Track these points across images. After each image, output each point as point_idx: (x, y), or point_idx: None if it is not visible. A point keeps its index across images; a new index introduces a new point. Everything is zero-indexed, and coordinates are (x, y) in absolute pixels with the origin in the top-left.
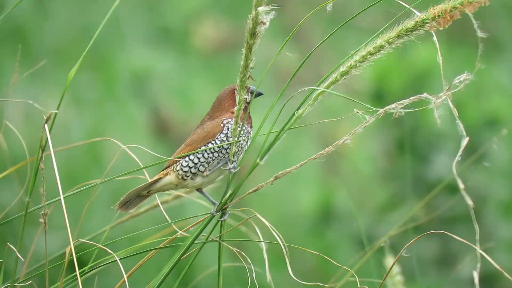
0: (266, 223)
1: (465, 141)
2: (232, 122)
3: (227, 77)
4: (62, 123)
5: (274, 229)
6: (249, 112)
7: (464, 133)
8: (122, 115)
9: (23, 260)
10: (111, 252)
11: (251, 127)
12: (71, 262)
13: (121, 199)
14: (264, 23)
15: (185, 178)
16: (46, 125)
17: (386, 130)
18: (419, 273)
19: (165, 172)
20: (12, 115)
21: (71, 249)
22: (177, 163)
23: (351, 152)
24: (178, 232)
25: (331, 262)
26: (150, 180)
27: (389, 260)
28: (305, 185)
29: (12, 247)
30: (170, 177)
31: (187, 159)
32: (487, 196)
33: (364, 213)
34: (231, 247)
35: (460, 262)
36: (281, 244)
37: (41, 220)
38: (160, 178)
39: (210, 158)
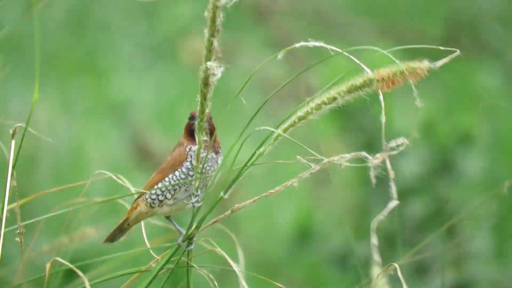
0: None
1: (393, 203)
2: (194, 149)
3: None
4: (50, 127)
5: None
6: (215, 137)
7: (396, 195)
8: (103, 138)
9: None
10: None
11: (217, 152)
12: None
13: (106, 237)
14: (216, 75)
15: (153, 205)
16: (13, 141)
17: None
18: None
19: (134, 205)
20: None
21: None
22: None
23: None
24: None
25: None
26: (124, 217)
27: (375, 271)
28: (288, 200)
29: None
30: (140, 208)
31: (155, 186)
32: (462, 208)
33: (343, 231)
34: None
35: (432, 271)
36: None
37: (18, 239)
38: (132, 211)
39: (177, 186)
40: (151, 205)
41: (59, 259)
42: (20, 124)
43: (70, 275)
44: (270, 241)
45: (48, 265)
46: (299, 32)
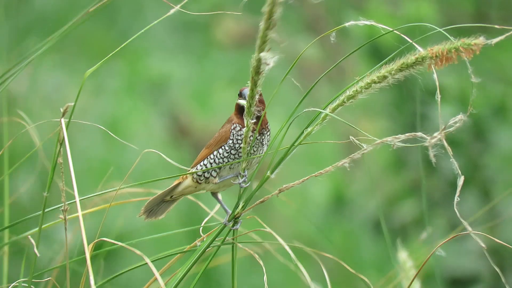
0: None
1: (461, 180)
2: (238, 128)
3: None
4: (84, 111)
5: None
6: (264, 117)
7: (460, 172)
8: (140, 118)
9: (38, 255)
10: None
11: (262, 133)
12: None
13: (144, 207)
14: (268, 64)
15: (199, 181)
16: (62, 119)
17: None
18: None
19: (182, 178)
20: (36, 103)
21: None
22: (195, 167)
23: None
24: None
25: (353, 253)
26: (170, 186)
27: (402, 254)
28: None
29: (32, 240)
30: (188, 181)
31: (201, 163)
32: (495, 177)
33: (378, 200)
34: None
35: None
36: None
37: (61, 216)
38: (179, 183)
39: (221, 163)
40: (197, 181)
41: (104, 238)
42: (70, 104)
43: (111, 256)
44: (306, 211)
45: (90, 246)
46: (330, 14)
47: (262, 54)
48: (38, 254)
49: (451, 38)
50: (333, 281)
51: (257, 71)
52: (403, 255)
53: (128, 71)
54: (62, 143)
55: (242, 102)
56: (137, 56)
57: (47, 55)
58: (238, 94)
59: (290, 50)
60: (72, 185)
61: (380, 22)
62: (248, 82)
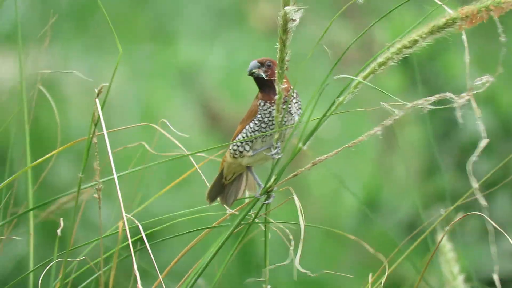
0: (298, 206)
1: (483, 142)
2: (262, 104)
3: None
4: (118, 94)
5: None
6: (285, 82)
7: (485, 134)
8: (173, 104)
9: (59, 234)
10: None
11: (291, 99)
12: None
13: (207, 195)
14: (294, 20)
15: (235, 156)
16: (97, 99)
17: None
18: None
19: (224, 156)
20: (70, 87)
21: (124, 224)
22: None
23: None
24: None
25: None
26: (218, 173)
27: (440, 237)
28: (362, 161)
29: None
30: (228, 158)
31: (236, 138)
32: None
33: (410, 199)
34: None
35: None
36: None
37: (96, 195)
38: (223, 164)
39: (253, 136)
40: (233, 156)
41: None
42: (105, 84)
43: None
44: (338, 210)
45: (120, 223)
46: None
47: (287, 8)
48: (59, 234)
49: None
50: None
51: (284, 28)
52: (442, 239)
53: (162, 56)
54: (97, 123)
55: (253, 70)
56: (171, 40)
57: (80, 37)
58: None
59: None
60: (109, 167)
61: None
62: (277, 44)
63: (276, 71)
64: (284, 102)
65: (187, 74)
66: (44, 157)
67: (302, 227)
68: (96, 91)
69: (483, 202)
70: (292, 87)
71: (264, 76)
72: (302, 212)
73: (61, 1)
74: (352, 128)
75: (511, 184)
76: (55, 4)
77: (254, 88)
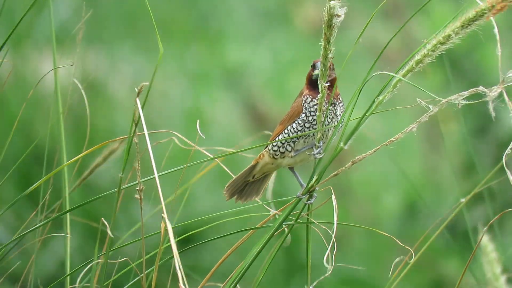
0: (335, 205)
1: None
2: (309, 100)
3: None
4: (164, 94)
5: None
6: (336, 87)
7: None
8: (219, 105)
9: (112, 236)
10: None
11: (334, 104)
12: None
13: (226, 188)
14: (339, 16)
15: (275, 157)
16: (138, 99)
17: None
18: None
19: (261, 155)
20: (118, 88)
21: (163, 225)
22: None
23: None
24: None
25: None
26: (249, 166)
27: (483, 238)
28: (408, 159)
29: (105, 222)
30: (265, 158)
31: (276, 139)
32: None
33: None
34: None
35: None
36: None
37: (137, 196)
38: (257, 162)
39: (296, 138)
40: (273, 157)
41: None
42: (146, 83)
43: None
44: (381, 211)
45: (163, 225)
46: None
47: (332, 2)
48: (111, 235)
49: None
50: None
51: (329, 24)
52: (484, 239)
53: (208, 57)
54: (137, 123)
55: (316, 72)
56: (217, 41)
57: (128, 38)
58: (311, 66)
59: (368, 36)
60: (151, 167)
61: None
62: (321, 40)
63: (333, 74)
64: (332, 104)
65: (233, 74)
66: (80, 155)
67: (335, 225)
68: (137, 90)
69: None
70: (339, 95)
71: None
72: (337, 210)
73: (110, 3)
74: (395, 127)
75: None
76: (103, 6)
77: (298, 87)
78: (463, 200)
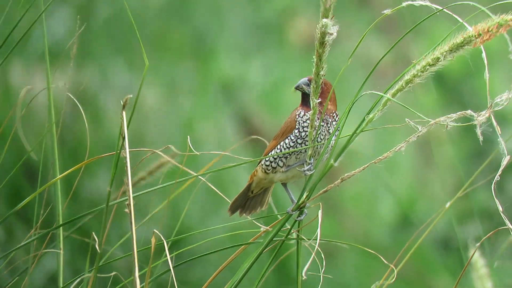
0: (320, 220)
1: (505, 160)
2: (302, 113)
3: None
4: (159, 110)
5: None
6: (333, 102)
7: (506, 151)
8: (212, 120)
9: (99, 251)
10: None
11: (328, 122)
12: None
13: (229, 207)
14: (331, 34)
15: (267, 171)
16: (123, 112)
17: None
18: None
19: (254, 171)
20: (108, 103)
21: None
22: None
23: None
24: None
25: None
26: (246, 185)
27: (475, 254)
28: (398, 178)
29: (95, 237)
30: (259, 173)
31: (269, 154)
32: None
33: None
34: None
35: None
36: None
37: (126, 210)
38: (252, 180)
39: (288, 154)
40: (265, 171)
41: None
42: (130, 96)
43: (174, 248)
44: (372, 226)
45: (153, 240)
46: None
47: (324, 20)
48: (99, 250)
49: (491, 15)
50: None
51: (322, 41)
52: (475, 255)
53: (201, 72)
54: (125, 136)
55: (304, 88)
56: (210, 56)
57: (119, 54)
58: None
59: (361, 51)
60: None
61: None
62: (313, 57)
63: (326, 92)
64: (325, 120)
65: (226, 90)
66: (70, 170)
67: (318, 241)
68: (122, 102)
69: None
70: (337, 112)
71: (307, 92)
72: (320, 227)
73: (99, 19)
74: (387, 143)
75: None
76: (96, 22)
77: (291, 102)
78: (448, 204)
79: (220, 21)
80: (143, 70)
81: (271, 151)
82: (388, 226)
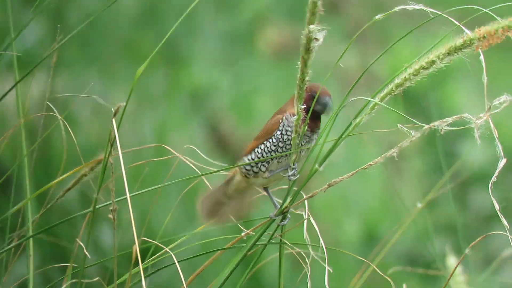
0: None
1: (502, 163)
2: (289, 118)
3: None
4: (130, 119)
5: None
6: (319, 119)
7: (502, 154)
8: (183, 128)
9: (89, 257)
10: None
11: (315, 132)
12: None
13: (199, 204)
14: (318, 40)
15: (248, 176)
16: (114, 119)
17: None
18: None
19: (231, 173)
20: (80, 111)
21: (136, 246)
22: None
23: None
24: (242, 233)
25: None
26: (225, 179)
27: (451, 260)
28: (371, 184)
29: (81, 243)
30: (237, 177)
31: (249, 157)
32: None
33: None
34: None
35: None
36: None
37: (110, 216)
38: (231, 178)
39: (269, 157)
40: (246, 176)
41: (145, 238)
42: (122, 104)
43: (155, 253)
44: (342, 235)
45: (134, 247)
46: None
47: (311, 26)
48: (89, 257)
49: (498, 18)
50: None
51: (307, 48)
52: (451, 260)
53: (172, 80)
54: (113, 143)
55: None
56: (181, 65)
57: (91, 63)
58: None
59: (331, 59)
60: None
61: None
62: (298, 63)
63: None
64: (311, 131)
65: (197, 97)
66: (47, 186)
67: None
68: (113, 110)
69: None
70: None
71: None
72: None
73: (71, 27)
74: (356, 151)
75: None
76: (65, 29)
77: (263, 111)
78: (420, 205)
79: (191, 29)
80: (115, 78)
81: (251, 152)
82: (356, 238)
